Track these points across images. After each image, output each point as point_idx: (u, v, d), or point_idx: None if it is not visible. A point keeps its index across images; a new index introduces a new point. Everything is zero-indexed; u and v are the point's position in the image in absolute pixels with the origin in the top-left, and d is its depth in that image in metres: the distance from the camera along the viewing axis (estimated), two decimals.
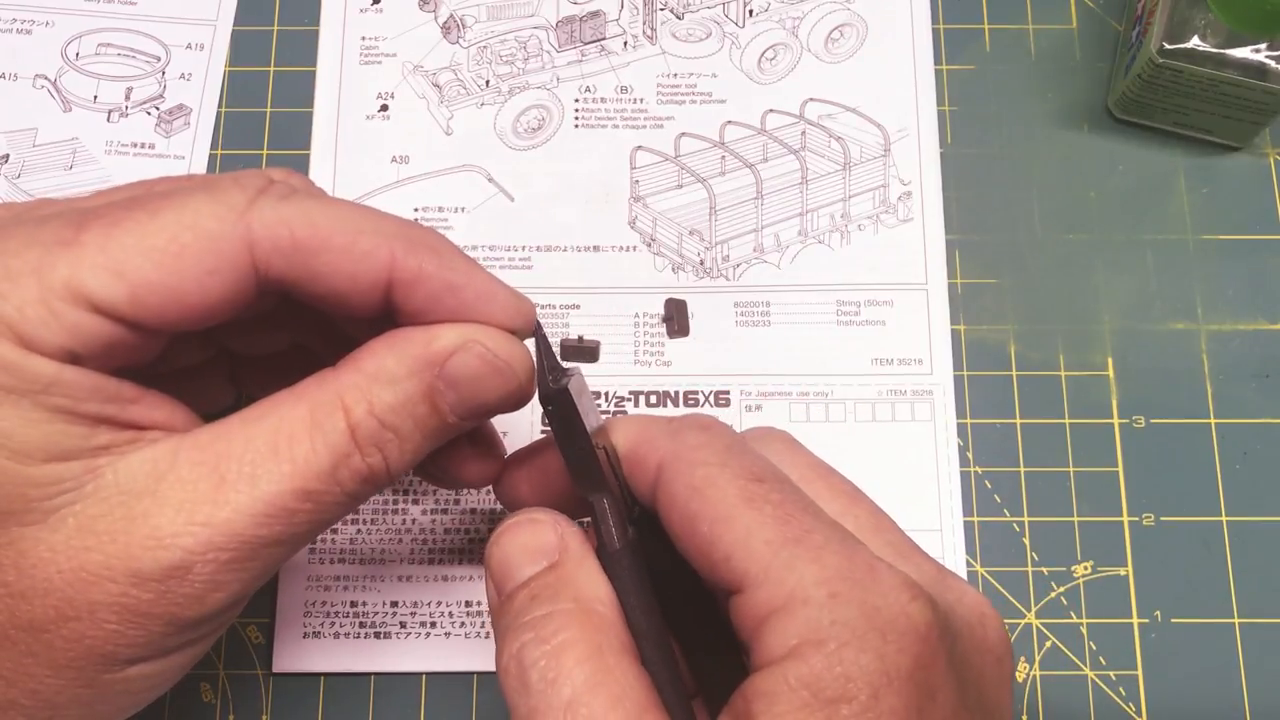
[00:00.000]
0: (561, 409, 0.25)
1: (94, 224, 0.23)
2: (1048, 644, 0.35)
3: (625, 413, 0.37)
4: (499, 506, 0.36)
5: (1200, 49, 0.36)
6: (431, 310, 0.25)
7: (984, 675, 0.24)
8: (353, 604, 0.35)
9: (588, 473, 0.25)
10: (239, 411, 0.25)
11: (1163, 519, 0.36)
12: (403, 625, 0.35)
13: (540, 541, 0.25)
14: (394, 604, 0.35)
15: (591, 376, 0.37)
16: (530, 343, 0.26)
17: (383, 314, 0.26)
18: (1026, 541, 0.36)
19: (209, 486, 0.23)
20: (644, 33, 0.42)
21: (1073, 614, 0.35)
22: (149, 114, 0.41)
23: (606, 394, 0.37)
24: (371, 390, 0.24)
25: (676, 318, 0.38)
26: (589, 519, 0.26)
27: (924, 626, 0.22)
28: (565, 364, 0.26)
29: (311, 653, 0.35)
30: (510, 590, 0.24)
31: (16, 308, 0.22)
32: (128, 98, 0.41)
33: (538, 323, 0.26)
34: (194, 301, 0.23)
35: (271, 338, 0.30)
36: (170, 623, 0.24)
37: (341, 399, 0.24)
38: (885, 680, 0.21)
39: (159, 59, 0.41)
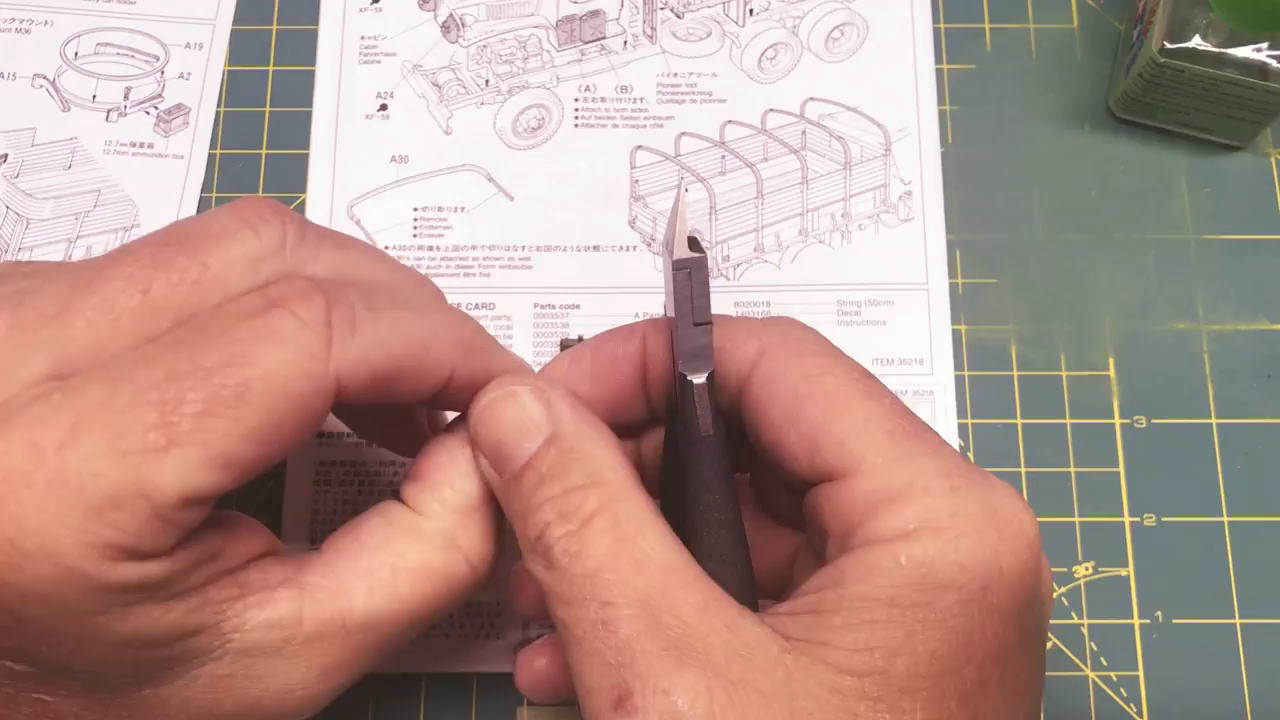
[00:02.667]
0: (695, 277, 0.25)
1: (180, 420, 0.21)
2: (1049, 645, 0.35)
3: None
4: None
5: (1201, 48, 0.36)
6: (468, 403, 0.26)
7: (1049, 594, 0.25)
8: None
9: (699, 349, 0.25)
10: (338, 555, 0.25)
11: (1164, 519, 0.36)
12: None
13: (528, 415, 0.25)
14: None
15: None
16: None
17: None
18: None
19: (335, 643, 0.24)
20: (644, 32, 0.42)
21: (1074, 614, 0.35)
22: (148, 113, 0.41)
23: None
24: (476, 524, 0.26)
25: None
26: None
27: (1034, 536, 0.23)
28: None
29: None
30: (513, 471, 0.24)
31: (132, 533, 0.21)
32: (126, 97, 0.41)
33: (681, 193, 0.26)
34: (290, 453, 0.24)
35: None
36: None
37: (458, 545, 0.25)
38: (997, 577, 0.22)
39: (158, 58, 0.41)
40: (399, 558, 0.25)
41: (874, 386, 0.24)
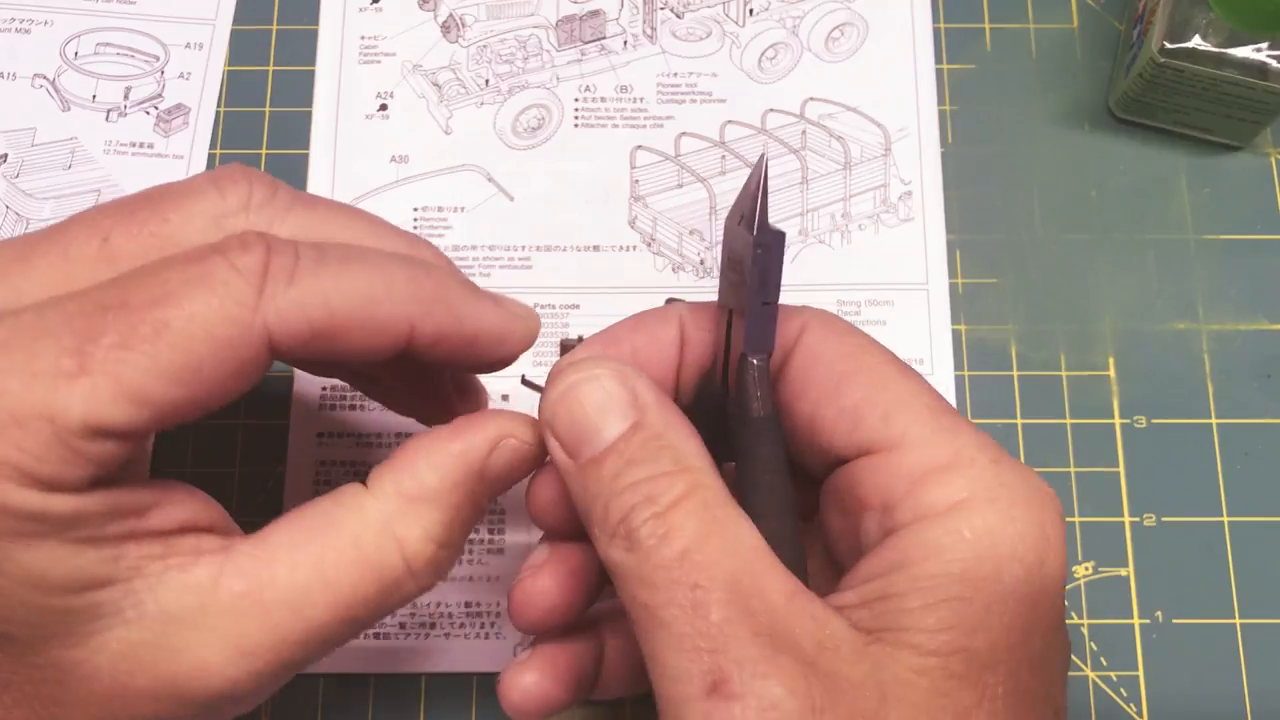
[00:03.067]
0: (774, 254, 0.24)
1: (95, 349, 0.21)
2: None
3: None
4: (500, 507, 0.36)
5: (1201, 48, 0.36)
6: (448, 358, 0.25)
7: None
8: None
9: (764, 330, 0.25)
10: (275, 528, 0.24)
11: (1164, 519, 0.36)
12: (402, 626, 0.35)
13: (614, 399, 0.23)
14: None
15: None
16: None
17: (403, 355, 0.25)
18: None
19: (253, 619, 0.23)
20: (644, 32, 0.42)
21: (1074, 615, 0.35)
22: (148, 113, 0.41)
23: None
24: (423, 516, 0.24)
25: None
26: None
27: (1060, 507, 0.23)
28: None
29: None
30: (593, 455, 0.23)
31: (34, 455, 0.21)
32: (126, 97, 0.41)
33: (765, 166, 0.25)
34: (214, 402, 0.23)
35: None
36: None
37: (393, 531, 0.24)
38: (1048, 546, 0.22)
39: (158, 58, 0.41)
40: (331, 535, 0.24)
41: (909, 368, 0.25)
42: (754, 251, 0.24)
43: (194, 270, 0.22)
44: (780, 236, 0.24)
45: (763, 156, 0.25)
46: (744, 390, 0.25)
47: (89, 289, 0.22)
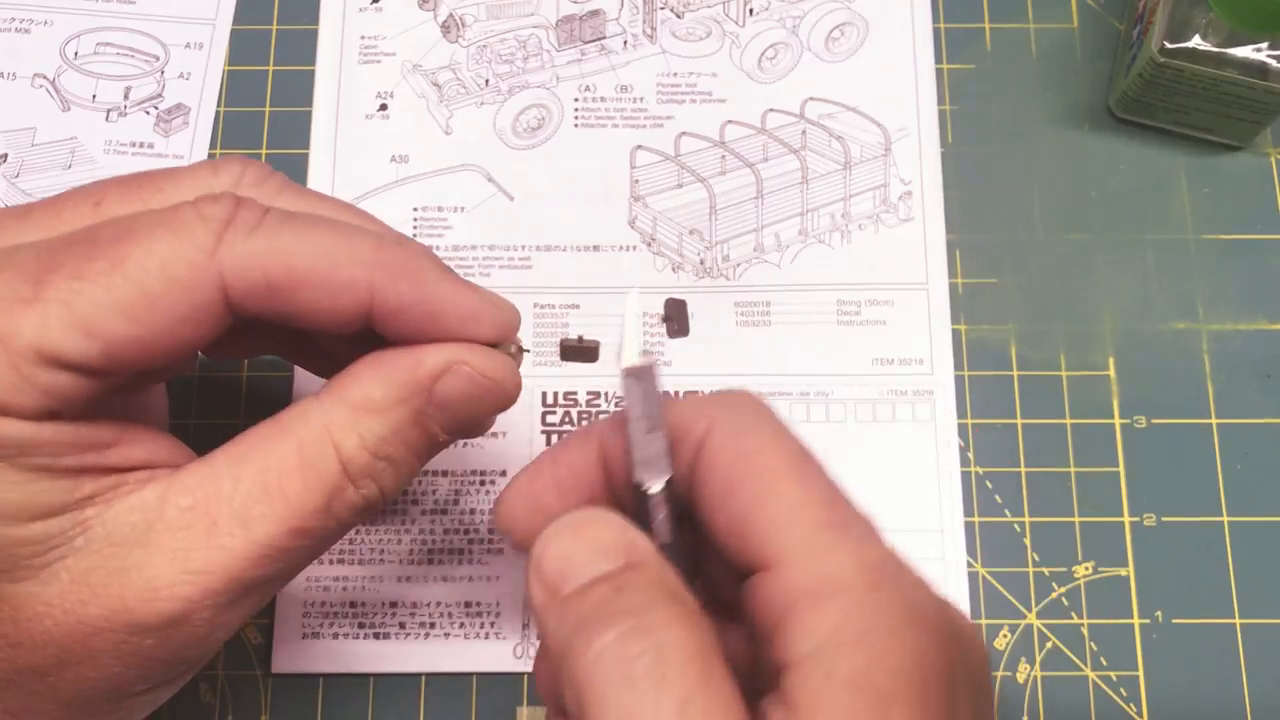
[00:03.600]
0: (645, 384, 0.24)
1: (53, 278, 0.22)
2: (1048, 644, 0.35)
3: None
4: None
5: (1201, 48, 0.36)
6: (415, 334, 0.25)
7: (985, 681, 0.23)
8: (352, 604, 0.35)
9: (653, 456, 0.24)
10: (223, 448, 0.24)
11: (1164, 519, 0.36)
12: (402, 626, 0.35)
13: (609, 539, 0.22)
14: (393, 604, 0.35)
15: (591, 377, 0.37)
16: (621, 321, 0.25)
17: (365, 330, 0.25)
18: (1027, 542, 0.36)
19: (201, 532, 0.23)
20: (644, 32, 0.42)
21: (1074, 614, 0.35)
22: (148, 113, 0.41)
23: (605, 394, 0.37)
24: (361, 423, 0.24)
25: (676, 318, 0.38)
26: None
27: (950, 627, 0.21)
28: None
29: (311, 653, 0.35)
30: (577, 587, 0.21)
31: None
32: (126, 97, 0.41)
33: (632, 300, 0.25)
34: (168, 347, 0.23)
35: (245, 346, 0.30)
36: (171, 662, 0.24)
37: (331, 435, 0.24)
38: (927, 676, 0.20)
39: (158, 58, 0.41)
40: (274, 445, 0.24)
41: (808, 469, 0.23)
42: (624, 382, 0.24)
43: (160, 215, 0.23)
44: (648, 368, 0.24)
45: (631, 290, 0.25)
46: (641, 518, 0.24)
47: (55, 238, 0.23)
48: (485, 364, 0.25)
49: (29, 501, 0.22)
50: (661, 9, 0.42)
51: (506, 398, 0.26)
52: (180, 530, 0.23)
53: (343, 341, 0.26)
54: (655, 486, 0.24)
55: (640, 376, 0.24)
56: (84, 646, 0.23)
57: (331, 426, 0.24)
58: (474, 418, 0.26)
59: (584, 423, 0.37)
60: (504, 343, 0.26)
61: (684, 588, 0.22)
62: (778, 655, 0.21)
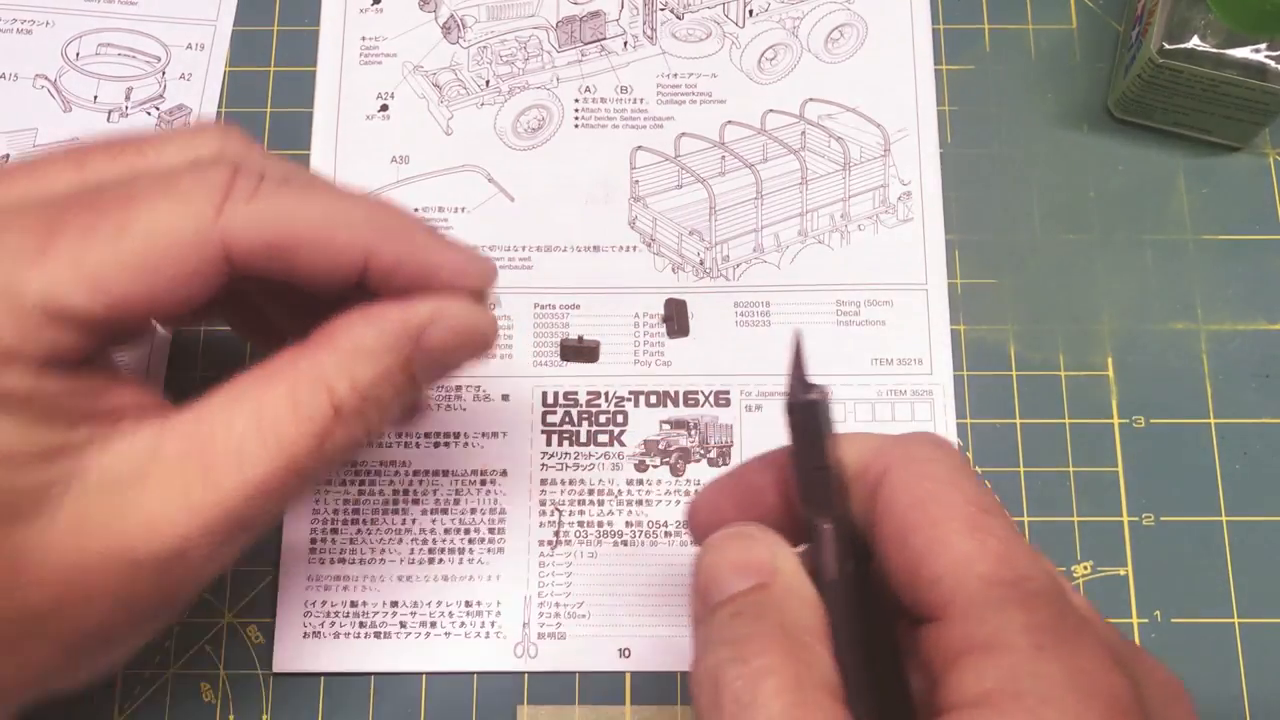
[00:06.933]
0: (808, 422, 0.24)
1: (61, 235, 0.23)
2: None
3: (625, 413, 0.37)
4: (500, 506, 0.36)
5: (1200, 49, 0.36)
6: (405, 289, 0.26)
7: None
8: (353, 604, 0.35)
9: (818, 493, 0.24)
10: (212, 393, 0.25)
11: (1163, 519, 0.36)
12: (403, 625, 0.35)
13: (750, 557, 0.23)
14: (394, 604, 0.35)
15: (591, 377, 0.37)
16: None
17: (355, 287, 0.26)
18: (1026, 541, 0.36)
19: (197, 472, 0.24)
20: (644, 33, 0.42)
21: None
22: (149, 114, 0.41)
23: (606, 394, 0.37)
24: (352, 367, 0.25)
25: (676, 318, 0.38)
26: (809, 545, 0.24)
27: (1125, 699, 0.20)
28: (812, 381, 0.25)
29: (311, 653, 0.35)
30: (714, 604, 0.23)
31: None
32: (128, 98, 0.41)
33: (798, 337, 0.25)
34: (170, 305, 0.24)
35: (201, 316, 0.31)
36: (164, 603, 0.25)
37: (324, 378, 0.25)
38: None
39: (159, 59, 0.42)
40: (266, 388, 0.25)
41: (983, 521, 0.22)
42: (787, 417, 0.24)
43: (163, 180, 0.24)
44: (812, 404, 0.24)
45: (795, 332, 0.25)
46: (813, 552, 0.24)
47: (63, 195, 0.24)
48: (469, 314, 0.27)
49: (31, 447, 0.23)
50: (661, 10, 0.42)
51: (487, 344, 0.27)
52: (176, 470, 0.24)
53: (295, 314, 0.27)
54: (822, 523, 0.24)
55: (804, 412, 0.24)
56: (82, 588, 0.23)
57: (324, 371, 0.25)
58: (454, 364, 0.27)
59: (584, 423, 0.37)
60: (483, 294, 0.27)
61: (808, 614, 0.22)
62: (939, 703, 0.21)
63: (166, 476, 0.24)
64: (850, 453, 0.24)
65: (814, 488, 0.24)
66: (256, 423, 0.24)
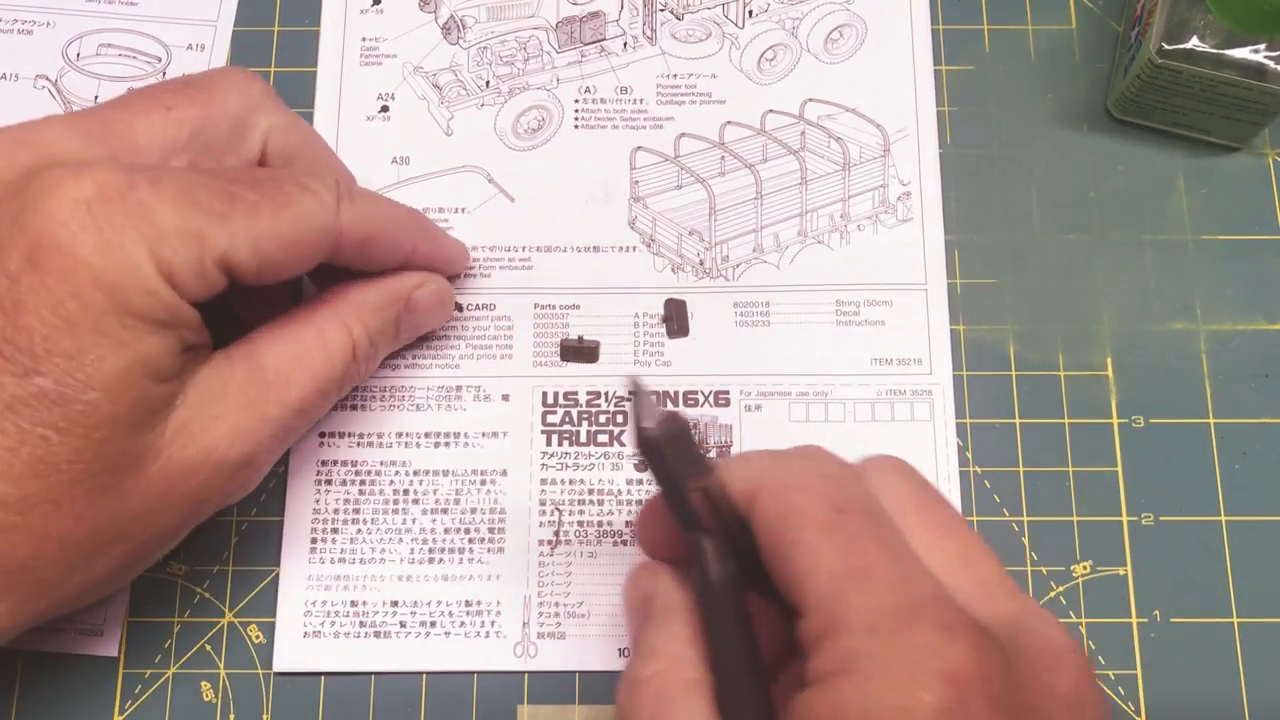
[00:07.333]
0: (651, 457, 0.27)
1: (239, 204, 0.28)
2: None
3: (625, 413, 0.37)
4: (500, 506, 0.36)
5: (1199, 49, 0.36)
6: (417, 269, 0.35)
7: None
8: (353, 603, 0.35)
9: (684, 514, 0.27)
10: (252, 336, 0.31)
11: (1162, 519, 0.36)
12: (403, 625, 0.35)
13: (639, 594, 0.29)
14: (394, 604, 0.35)
15: (591, 377, 0.38)
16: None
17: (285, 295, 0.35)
18: (1026, 541, 0.36)
19: (259, 391, 0.30)
20: (644, 33, 0.42)
21: (1072, 614, 0.36)
22: None
23: (606, 394, 0.37)
24: (364, 318, 0.33)
25: (676, 318, 0.38)
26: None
27: (957, 669, 0.22)
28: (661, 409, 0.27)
29: (312, 652, 0.35)
30: (629, 628, 0.33)
31: (184, 262, 0.27)
32: None
33: (635, 380, 0.28)
34: (294, 273, 0.30)
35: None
36: (219, 506, 0.30)
37: (345, 324, 0.32)
38: (900, 715, 0.21)
39: (160, 59, 0.42)
40: (304, 330, 0.32)
41: (837, 520, 0.25)
42: (639, 453, 0.27)
43: (297, 178, 0.30)
44: (650, 440, 0.26)
45: (630, 377, 0.29)
46: (692, 559, 0.27)
47: (227, 170, 0.31)
48: (442, 286, 0.36)
49: (170, 366, 0.28)
50: (661, 10, 0.42)
51: (450, 311, 0.37)
52: (244, 391, 0.30)
53: (259, 311, 0.33)
54: (697, 538, 0.26)
55: (648, 446, 0.27)
56: (173, 491, 0.28)
57: (345, 318, 0.33)
58: (429, 323, 0.37)
59: (584, 423, 0.37)
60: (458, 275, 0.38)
61: (670, 638, 0.27)
62: (803, 684, 0.24)
63: (238, 395, 0.29)
64: (730, 473, 0.27)
65: (679, 510, 0.27)
66: (296, 355, 0.31)
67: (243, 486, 0.31)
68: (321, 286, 0.34)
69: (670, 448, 0.27)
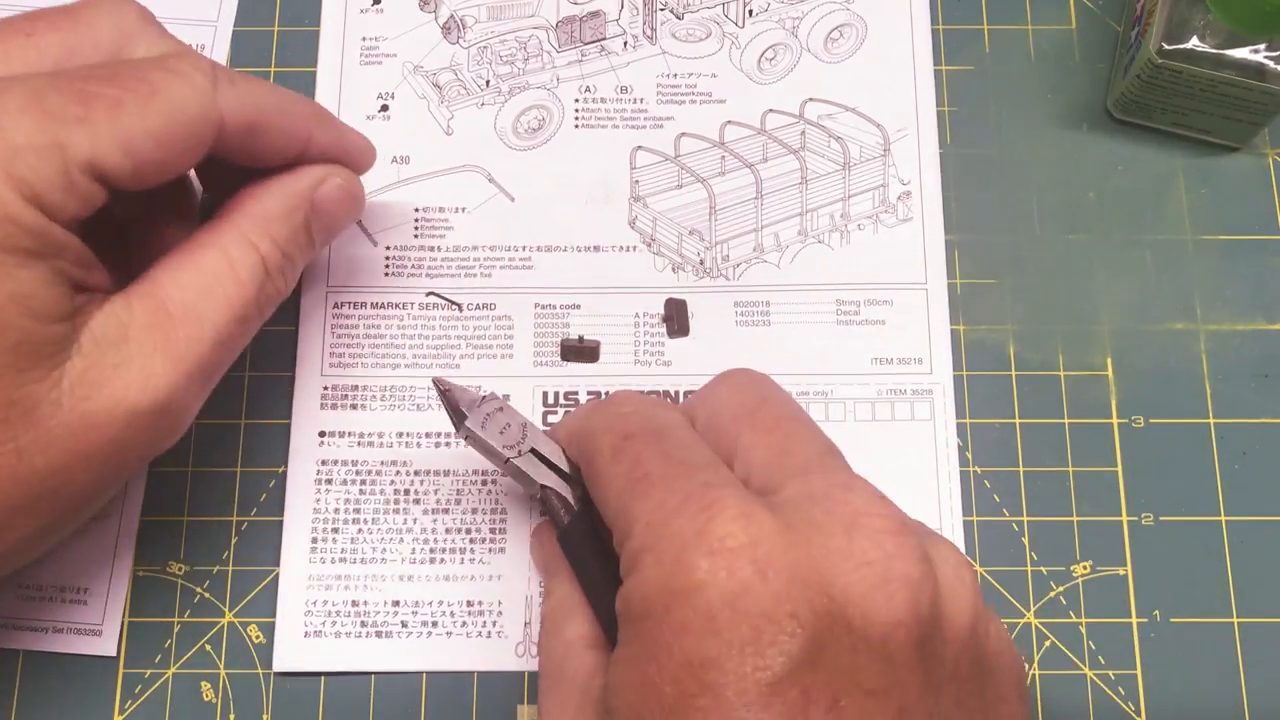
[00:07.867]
0: (473, 443, 0.31)
1: (98, 103, 0.26)
2: (1047, 643, 0.35)
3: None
4: (502, 507, 0.36)
5: (1199, 49, 0.36)
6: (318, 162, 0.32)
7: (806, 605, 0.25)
8: (353, 603, 0.35)
9: (522, 480, 0.31)
10: (157, 266, 0.29)
11: (1162, 519, 0.37)
12: (404, 625, 0.35)
13: (541, 555, 0.34)
14: (394, 604, 0.35)
15: (592, 377, 0.38)
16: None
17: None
18: (1026, 541, 0.36)
19: (168, 329, 0.27)
20: (644, 33, 0.42)
21: (1072, 614, 0.36)
22: None
23: (606, 393, 0.37)
24: (269, 228, 0.30)
25: (676, 318, 0.38)
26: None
27: (718, 542, 0.23)
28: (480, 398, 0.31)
29: (312, 652, 0.35)
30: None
31: (45, 180, 0.24)
32: None
33: (440, 380, 0.31)
34: (171, 172, 0.28)
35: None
36: (146, 458, 0.29)
37: (249, 239, 0.30)
38: (672, 595, 0.23)
39: None
40: (201, 255, 0.29)
41: (624, 446, 0.27)
42: (466, 443, 0.31)
43: (166, 64, 0.28)
44: (468, 429, 0.31)
45: (434, 380, 0.31)
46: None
47: (78, 68, 0.27)
48: (347, 178, 0.33)
49: (55, 304, 0.25)
50: (661, 10, 0.42)
51: (360, 205, 0.34)
52: (151, 330, 0.27)
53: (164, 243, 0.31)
54: (536, 491, 0.31)
55: (469, 437, 0.31)
56: (83, 447, 0.26)
57: (247, 234, 0.30)
58: (341, 222, 0.33)
59: None
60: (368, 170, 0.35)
61: (558, 567, 0.31)
62: None
63: (145, 337, 0.27)
64: (559, 431, 0.31)
65: (516, 477, 0.31)
66: (202, 284, 0.28)
67: (168, 434, 0.29)
68: (218, 200, 0.32)
69: (486, 428, 0.31)
